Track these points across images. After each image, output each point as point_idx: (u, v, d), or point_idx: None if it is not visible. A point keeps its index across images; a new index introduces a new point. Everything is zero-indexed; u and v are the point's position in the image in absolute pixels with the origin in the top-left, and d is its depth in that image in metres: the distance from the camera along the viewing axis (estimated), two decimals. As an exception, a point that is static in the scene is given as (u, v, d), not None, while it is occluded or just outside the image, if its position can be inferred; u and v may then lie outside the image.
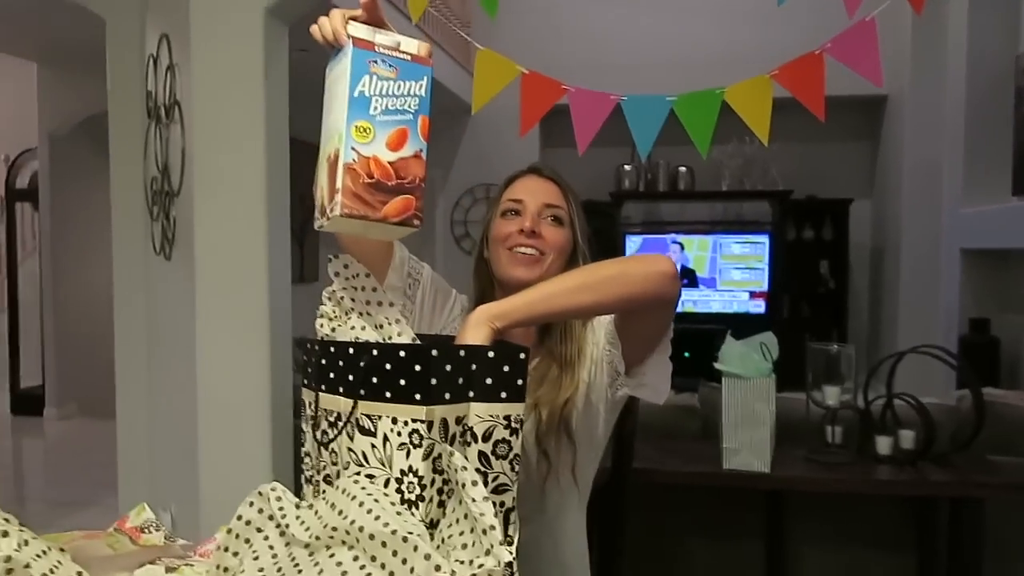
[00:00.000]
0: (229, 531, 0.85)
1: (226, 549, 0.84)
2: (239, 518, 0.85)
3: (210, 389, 2.41)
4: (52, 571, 0.68)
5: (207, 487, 2.43)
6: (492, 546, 0.71)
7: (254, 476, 2.38)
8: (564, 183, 1.24)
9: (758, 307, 6.24)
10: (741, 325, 2.45)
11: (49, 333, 5.91)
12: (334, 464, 0.89)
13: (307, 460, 0.96)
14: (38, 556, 0.67)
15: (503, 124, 6.31)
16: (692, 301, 6.36)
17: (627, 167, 6.57)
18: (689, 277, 6.39)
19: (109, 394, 3.11)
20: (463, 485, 0.76)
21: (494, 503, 0.80)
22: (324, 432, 0.90)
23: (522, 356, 0.87)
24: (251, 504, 0.86)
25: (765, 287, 6.22)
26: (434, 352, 0.82)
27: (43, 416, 5.97)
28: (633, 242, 6.45)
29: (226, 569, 0.84)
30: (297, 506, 0.85)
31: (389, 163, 0.85)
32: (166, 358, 2.75)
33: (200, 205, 2.41)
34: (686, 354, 6.42)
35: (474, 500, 0.74)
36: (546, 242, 1.18)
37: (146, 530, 1.04)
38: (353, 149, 0.82)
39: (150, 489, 2.88)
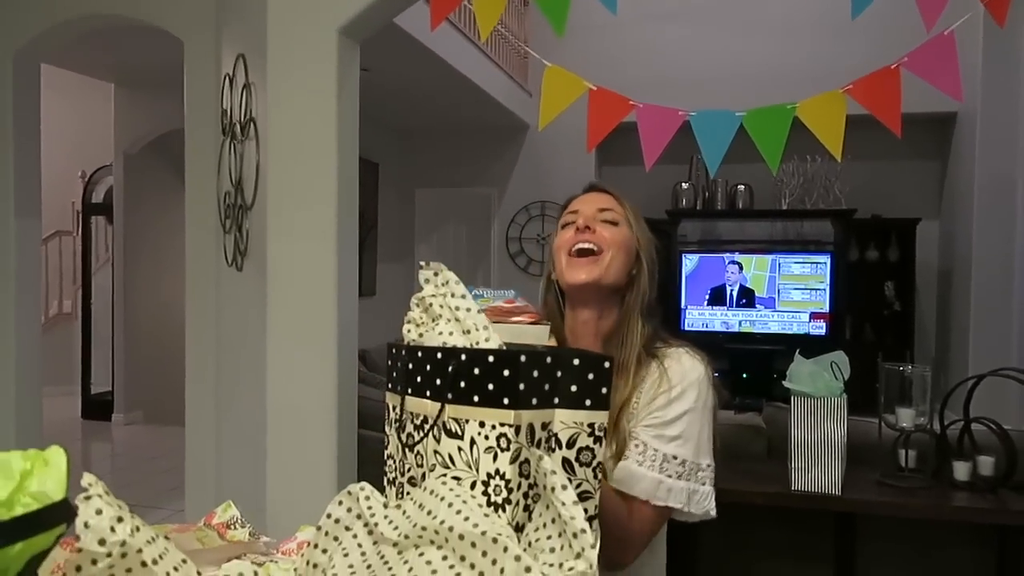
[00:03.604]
0: (319, 528, 0.87)
1: (316, 546, 0.86)
2: (328, 516, 0.87)
3: (279, 396, 2.47)
4: (161, 556, 0.71)
5: (273, 493, 2.49)
6: (583, 549, 0.71)
7: (319, 482, 2.42)
8: (620, 194, 1.26)
9: (819, 328, 6.09)
10: (802, 346, 2.38)
11: (119, 341, 6.15)
12: (419, 466, 0.90)
13: (390, 463, 0.98)
14: (149, 542, 0.70)
15: (559, 141, 6.35)
16: (750, 321, 6.26)
17: (684, 185, 6.52)
18: (747, 297, 6.29)
19: (174, 402, 3.21)
20: (552, 489, 0.76)
21: (578, 509, 0.80)
22: (410, 435, 0.91)
23: (607, 365, 0.87)
24: (340, 503, 0.88)
25: (827, 308, 6.08)
26: (522, 358, 0.83)
27: (111, 421, 6.19)
28: (689, 260, 6.39)
29: (315, 565, 0.86)
30: (385, 505, 0.87)
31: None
32: (235, 366, 2.82)
33: (272, 218, 2.48)
34: (744, 375, 6.33)
35: (564, 504, 0.75)
36: (603, 239, 1.19)
37: (232, 526, 1.07)
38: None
39: (216, 493, 2.95)
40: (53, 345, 6.71)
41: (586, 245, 1.18)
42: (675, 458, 1.11)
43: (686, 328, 6.33)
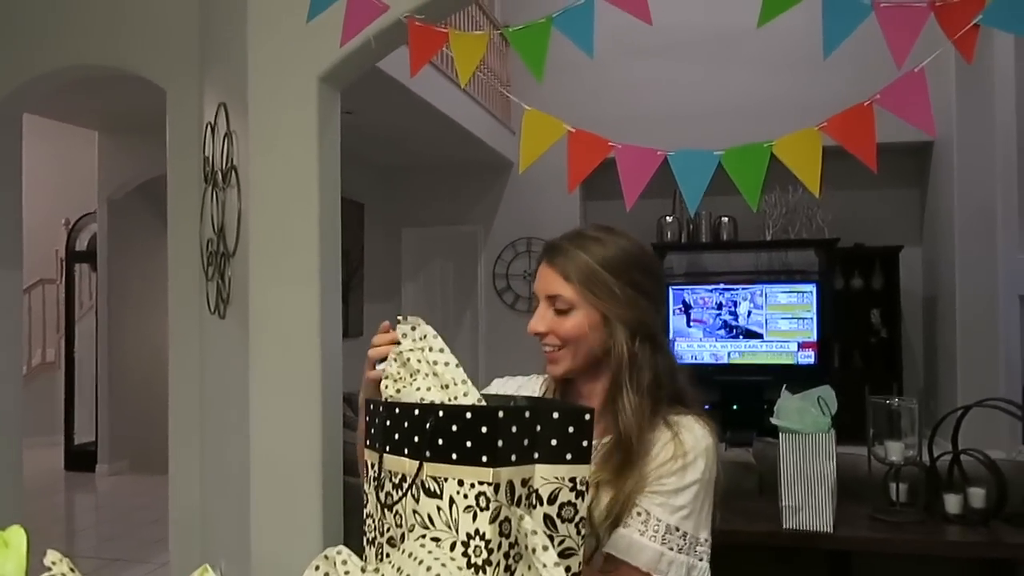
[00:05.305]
0: (296, 595, 0.85)
1: (293, 614, 0.84)
2: (306, 582, 0.85)
3: (263, 445, 2.44)
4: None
5: (258, 543, 2.43)
6: (565, 614, 0.70)
7: (305, 532, 2.38)
8: (568, 266, 1.15)
9: (808, 358, 6.10)
10: (791, 376, 2.38)
11: (103, 390, 6.06)
12: (398, 526, 0.88)
13: (369, 522, 0.96)
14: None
15: (543, 178, 6.40)
16: (739, 352, 6.26)
17: (669, 218, 6.57)
18: (735, 328, 6.30)
19: (160, 450, 3.16)
20: (534, 550, 0.75)
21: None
22: (388, 494, 0.89)
23: (587, 417, 0.86)
24: (317, 568, 0.86)
25: (814, 337, 6.09)
26: (500, 413, 0.82)
27: (95, 472, 6.07)
28: (676, 293, 6.40)
29: (293, 634, 0.83)
30: (363, 570, 0.85)
31: None
32: (219, 415, 2.79)
33: (255, 265, 2.47)
34: (735, 407, 6.32)
35: (545, 566, 0.73)
36: (556, 336, 1.16)
37: (209, 592, 1.04)
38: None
39: (201, 545, 2.89)
40: (36, 395, 6.61)
41: (548, 348, 1.17)
42: (677, 530, 1.07)
43: (675, 361, 6.31)
